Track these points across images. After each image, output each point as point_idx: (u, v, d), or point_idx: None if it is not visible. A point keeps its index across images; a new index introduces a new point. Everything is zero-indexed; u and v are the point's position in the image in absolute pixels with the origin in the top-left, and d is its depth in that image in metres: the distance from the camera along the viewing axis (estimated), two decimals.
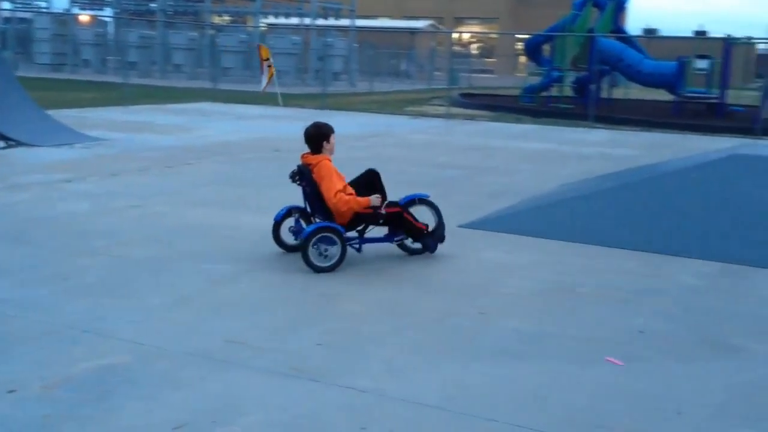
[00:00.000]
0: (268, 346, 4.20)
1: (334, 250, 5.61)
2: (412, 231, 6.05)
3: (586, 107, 20.11)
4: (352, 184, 6.05)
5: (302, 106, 22.13)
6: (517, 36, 47.58)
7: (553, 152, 13.26)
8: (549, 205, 7.88)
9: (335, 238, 5.62)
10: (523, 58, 40.80)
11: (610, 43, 23.42)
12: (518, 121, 19.63)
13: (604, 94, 25.00)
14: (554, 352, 4.27)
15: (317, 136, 5.97)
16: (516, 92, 26.95)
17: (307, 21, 37.02)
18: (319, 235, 5.59)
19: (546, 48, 26.44)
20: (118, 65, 33.12)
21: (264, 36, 35.12)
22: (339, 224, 5.71)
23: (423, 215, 6.29)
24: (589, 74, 22.63)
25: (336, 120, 18.01)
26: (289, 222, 6.13)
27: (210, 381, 3.74)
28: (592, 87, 21.78)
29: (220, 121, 16.82)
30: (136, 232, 6.65)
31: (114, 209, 7.54)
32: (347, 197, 5.73)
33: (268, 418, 3.39)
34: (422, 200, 6.36)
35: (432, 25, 52.51)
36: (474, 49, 60.53)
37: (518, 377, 3.92)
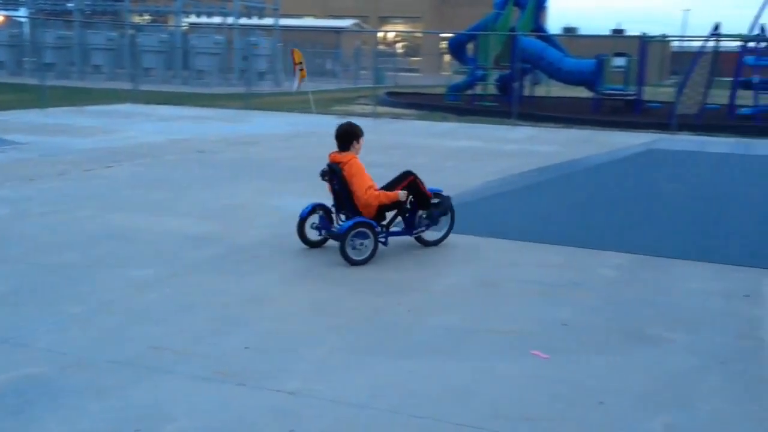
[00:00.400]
0: (194, 351, 4.13)
1: (368, 243, 5.93)
2: (422, 199, 6.35)
3: (509, 105, 20.45)
4: (386, 185, 6.34)
5: (227, 106, 21.86)
6: (441, 35, 48.02)
7: (478, 149, 13.43)
8: (473, 202, 7.99)
9: (369, 232, 5.94)
10: (447, 57, 41.22)
11: (531, 41, 23.86)
12: (444, 119, 19.83)
13: (526, 92, 25.45)
14: (481, 347, 4.33)
15: (349, 135, 6.25)
16: (441, 91, 27.22)
17: (230, 20, 36.56)
18: (356, 230, 5.87)
19: (469, 47, 26.77)
20: (34, 67, 32.05)
21: (186, 35, 34.57)
22: (367, 215, 6.03)
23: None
24: (511, 72, 23.01)
25: (261, 120, 17.96)
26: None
27: (134, 389, 3.67)
28: (515, 85, 22.16)
29: (141, 123, 16.47)
30: (54, 238, 6.46)
31: (31, 215, 7.31)
32: (377, 192, 6.05)
33: (196, 425, 3.34)
34: (437, 195, 6.63)
35: (356, 24, 52.54)
36: (399, 48, 60.86)
37: (446, 373, 3.96)
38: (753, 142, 15.46)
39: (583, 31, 59.95)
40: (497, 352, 4.26)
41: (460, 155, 12.50)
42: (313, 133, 15.62)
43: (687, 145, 10.50)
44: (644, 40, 22.98)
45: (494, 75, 25.22)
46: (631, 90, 22.87)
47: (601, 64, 22.54)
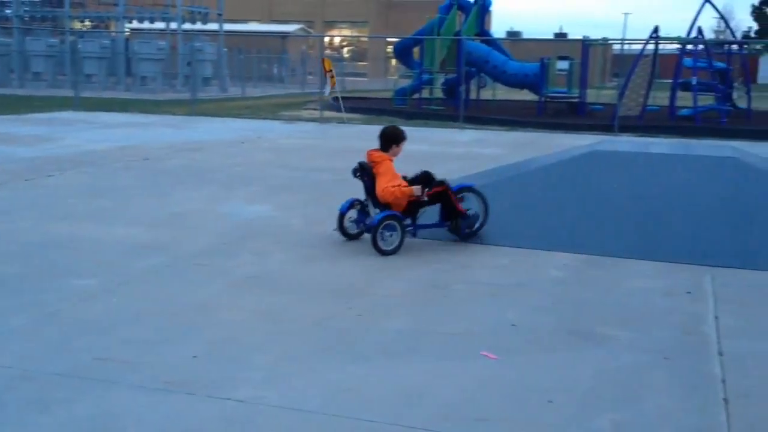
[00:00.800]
0: (142, 361, 4.07)
1: (396, 236, 6.37)
2: (451, 209, 6.70)
3: (455, 108, 20.62)
4: (410, 180, 6.74)
5: (172, 113, 21.59)
6: (387, 39, 48.20)
7: (425, 153, 13.50)
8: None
9: (396, 224, 6.39)
10: (394, 61, 41.37)
11: (476, 45, 24.11)
12: (391, 123, 19.86)
13: (472, 96, 25.70)
14: (431, 349, 4.36)
15: (390, 137, 6.79)
16: (388, 95, 27.30)
17: (173, 25, 36.12)
18: (384, 223, 6.31)
19: (415, 51, 26.92)
20: None
21: (128, 41, 34.04)
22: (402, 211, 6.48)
23: (472, 204, 6.94)
24: (457, 76, 23.21)
25: (208, 126, 17.78)
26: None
27: (81, 402, 3.59)
28: (461, 89, 22.35)
29: (84, 131, 16.16)
30: None
31: None
32: (392, 189, 6.44)
33: None
34: (470, 189, 7.01)
35: (302, 29, 52.42)
36: (346, 52, 60.89)
37: (398, 376, 3.97)
38: (692, 142, 15.85)
39: (526, 35, 60.81)
40: (448, 354, 4.28)
41: (407, 159, 12.52)
42: (261, 139, 15.53)
43: (629, 146, 10.72)
44: (586, 44, 23.40)
45: (440, 79, 25.39)
46: (575, 93, 23.25)
47: (544, 67, 22.88)
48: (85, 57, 31.68)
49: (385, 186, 6.48)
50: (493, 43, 25.56)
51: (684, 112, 21.38)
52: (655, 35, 21.22)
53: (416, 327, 4.71)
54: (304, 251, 6.49)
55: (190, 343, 4.36)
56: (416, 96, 25.23)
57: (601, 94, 27.42)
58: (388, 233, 6.37)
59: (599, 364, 4.19)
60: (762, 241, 6.80)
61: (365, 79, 50.87)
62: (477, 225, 6.95)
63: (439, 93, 25.43)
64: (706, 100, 21.90)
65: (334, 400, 3.67)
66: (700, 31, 22.22)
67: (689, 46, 22.08)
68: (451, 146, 14.88)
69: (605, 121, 19.76)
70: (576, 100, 23.00)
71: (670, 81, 22.61)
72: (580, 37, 24.54)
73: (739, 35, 67.22)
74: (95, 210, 7.99)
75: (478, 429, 3.44)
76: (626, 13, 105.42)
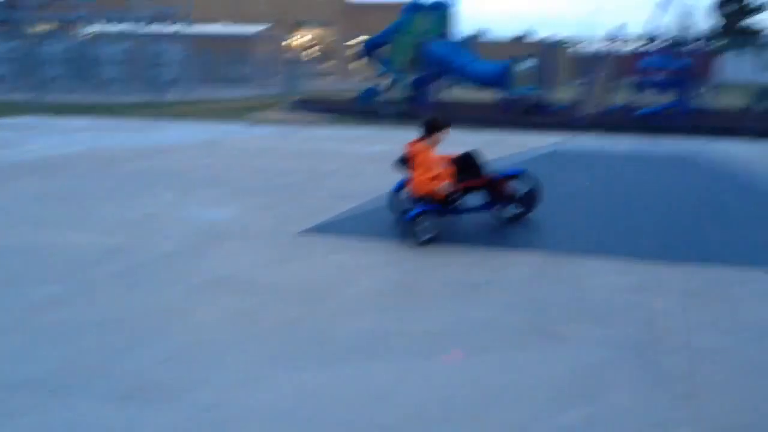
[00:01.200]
0: (108, 368, 4.03)
1: (431, 225, 6.70)
2: (496, 195, 7.11)
3: (422, 109, 20.67)
4: (454, 161, 7.10)
5: (136, 116, 21.37)
6: (354, 40, 48.19)
7: (394, 153, 13.52)
8: (386, 206, 8.04)
9: (431, 217, 6.71)
10: (360, 62, 41.37)
11: (442, 46, 24.21)
12: (359, 123, 19.90)
13: (438, 95, 25.79)
14: (402, 348, 4.37)
15: (431, 126, 7.03)
16: (354, 95, 27.28)
17: (137, 27, 35.74)
18: (418, 220, 6.67)
19: (382, 51, 26.94)
20: None
21: (92, 43, 33.62)
22: (437, 201, 6.80)
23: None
24: (423, 76, 23.29)
25: (172, 129, 17.63)
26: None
27: (44, 412, 3.55)
28: (428, 89, 22.42)
29: (46, 135, 15.93)
30: None
31: None
32: (426, 183, 6.76)
33: None
34: (518, 176, 7.26)
35: (269, 30, 52.20)
36: (312, 53, 60.74)
37: (368, 376, 3.98)
38: (654, 141, 16.07)
39: (496, 35, 61.14)
40: (417, 354, 4.30)
41: (375, 159, 12.57)
42: (225, 142, 15.43)
43: (592, 145, 10.85)
44: (550, 43, 23.60)
45: (407, 79, 25.44)
46: (538, 91, 23.46)
47: (509, 66, 23.05)
48: (47, 60, 31.24)
49: (419, 179, 6.81)
50: (459, 43, 25.68)
51: (645, 110, 21.69)
52: (616, 34, 21.49)
53: (387, 327, 4.72)
54: (274, 253, 6.47)
55: (158, 347, 4.33)
56: (383, 97, 25.25)
57: (564, 93, 27.67)
58: (421, 226, 6.69)
59: (567, 361, 4.24)
60: (723, 236, 6.92)
61: (332, 80, 50.80)
62: (522, 209, 7.31)
63: (405, 93, 25.48)
64: (667, 98, 22.23)
65: (305, 401, 3.67)
66: (660, 30, 22.55)
67: (650, 45, 22.38)
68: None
69: (568, 119, 19.96)
70: (540, 99, 23.20)
71: (632, 80, 22.92)
72: (545, 37, 24.74)
73: (698, 34, 68.36)
74: (58, 215, 7.88)
75: (449, 428, 3.46)
76: (590, 13, 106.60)
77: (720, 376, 4.07)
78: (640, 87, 22.36)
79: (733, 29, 72.41)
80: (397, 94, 25.15)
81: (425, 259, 6.34)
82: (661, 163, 8.90)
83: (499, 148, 14.35)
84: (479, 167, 7.14)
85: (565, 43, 28.67)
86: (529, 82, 23.93)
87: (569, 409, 3.65)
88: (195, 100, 29.67)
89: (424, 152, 6.92)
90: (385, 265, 6.16)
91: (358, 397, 3.74)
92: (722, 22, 74.30)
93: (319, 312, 4.98)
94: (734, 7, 73.46)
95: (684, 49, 25.53)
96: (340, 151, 13.97)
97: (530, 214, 7.35)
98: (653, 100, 21.65)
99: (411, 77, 25.60)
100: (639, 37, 22.67)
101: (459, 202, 7.07)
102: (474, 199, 7.20)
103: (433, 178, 6.81)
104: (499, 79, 23.52)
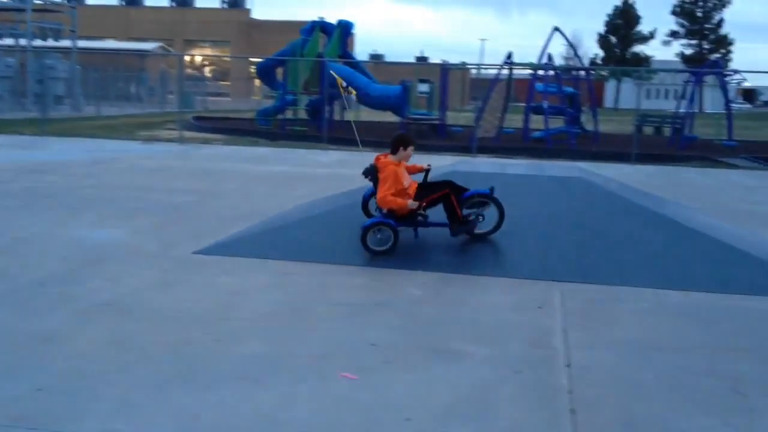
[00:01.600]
0: None
1: (387, 238, 6.94)
2: (451, 213, 7.13)
3: (319, 129, 20.67)
4: (424, 185, 7.23)
5: (21, 133, 20.49)
6: (250, 59, 47.82)
7: (289, 174, 13.46)
8: (283, 226, 7.97)
9: (387, 229, 6.95)
10: (257, 82, 41.10)
11: (339, 67, 24.30)
12: (255, 144, 19.70)
13: (336, 117, 25.87)
14: (290, 372, 4.30)
15: (398, 140, 7.19)
16: (252, 115, 27.04)
17: (23, 42, 34.35)
18: (373, 229, 6.96)
19: (279, 71, 26.84)
20: None
21: None
22: (397, 213, 6.98)
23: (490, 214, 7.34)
24: (321, 97, 23.30)
25: (59, 147, 16.99)
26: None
27: None
28: (325, 110, 22.45)
29: None
30: None
31: None
32: (389, 200, 6.91)
33: None
34: (483, 196, 7.32)
35: (161, 48, 51.18)
36: (207, 72, 59.93)
37: (255, 401, 3.89)
38: (544, 163, 16.58)
39: (388, 59, 61.91)
40: (306, 377, 4.24)
41: (271, 180, 12.45)
42: (115, 160, 14.98)
43: (486, 167, 11.08)
44: (445, 67, 24.09)
45: (304, 100, 25.42)
46: (435, 115, 23.86)
47: (406, 89, 23.36)
48: None
49: (384, 194, 6.94)
50: (356, 65, 25.87)
51: (537, 134, 22.39)
52: (509, 61, 22.14)
53: (274, 350, 4.64)
54: (159, 276, 6.28)
55: (33, 375, 4.11)
56: (279, 117, 25.13)
57: (460, 116, 28.29)
58: (378, 236, 6.93)
59: (455, 380, 4.27)
60: (605, 256, 7.17)
61: (228, 99, 50.18)
62: (484, 230, 7.34)
63: (302, 114, 25.45)
64: (557, 122, 23.04)
65: (188, 428, 3.56)
66: (550, 57, 23.40)
67: (540, 72, 23.16)
68: (315, 167, 14.89)
69: (464, 142, 20.38)
70: (437, 121, 23.60)
71: (524, 104, 23.64)
72: (440, 61, 25.23)
73: (586, 62, 71.36)
74: None
75: None
76: (483, 39, 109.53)
77: (600, 391, 4.19)
78: (533, 111, 23.08)
79: (620, 57, 75.96)
80: (295, 115, 25.07)
81: (315, 280, 6.29)
82: (550, 185, 9.16)
83: None
84: (461, 190, 7.27)
85: (462, 67, 29.31)
86: (425, 105, 24.34)
87: (457, 429, 3.67)
88: (85, 117, 28.72)
89: (391, 166, 7.02)
90: (276, 287, 6.08)
91: (243, 423, 3.65)
92: (610, 50, 77.79)
93: (206, 336, 4.85)
94: (621, 35, 77.12)
95: (573, 75, 26.53)
96: (236, 170, 13.78)
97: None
98: (545, 124, 22.35)
99: (309, 99, 25.61)
100: (531, 64, 23.43)
101: (422, 218, 7.15)
102: (437, 216, 7.26)
103: (395, 194, 6.93)
104: (396, 102, 23.81)
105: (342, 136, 21.06)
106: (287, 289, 6.01)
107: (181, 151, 17.49)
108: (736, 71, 26.73)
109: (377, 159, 7.24)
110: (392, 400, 3.98)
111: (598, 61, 78.41)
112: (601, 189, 9.10)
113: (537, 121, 23.21)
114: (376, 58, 60.92)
